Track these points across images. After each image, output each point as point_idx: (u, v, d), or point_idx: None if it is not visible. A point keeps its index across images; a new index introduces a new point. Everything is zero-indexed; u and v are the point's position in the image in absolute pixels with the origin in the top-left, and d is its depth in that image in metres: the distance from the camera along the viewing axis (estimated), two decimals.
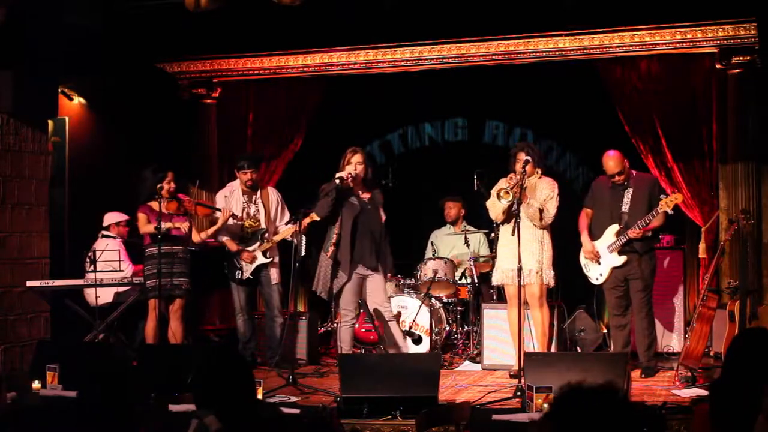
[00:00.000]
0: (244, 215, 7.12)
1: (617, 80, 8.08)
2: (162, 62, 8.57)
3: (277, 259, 7.15)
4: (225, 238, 7.13)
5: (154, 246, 6.79)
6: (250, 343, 7.19)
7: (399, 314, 7.07)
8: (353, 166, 6.28)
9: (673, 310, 7.47)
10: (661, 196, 6.30)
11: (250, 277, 7.09)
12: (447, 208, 8.24)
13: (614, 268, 6.46)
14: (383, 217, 6.41)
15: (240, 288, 7.15)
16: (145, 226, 6.88)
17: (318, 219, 6.40)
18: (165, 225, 6.74)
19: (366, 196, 6.37)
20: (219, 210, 7.09)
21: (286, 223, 7.09)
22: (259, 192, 7.21)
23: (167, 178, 6.86)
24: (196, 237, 7.11)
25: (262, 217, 7.13)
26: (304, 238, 6.51)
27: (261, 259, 7.06)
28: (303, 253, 6.47)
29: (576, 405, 2.19)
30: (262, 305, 7.50)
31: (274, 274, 7.12)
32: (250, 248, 7.08)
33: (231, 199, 7.15)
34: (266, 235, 7.09)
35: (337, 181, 6.20)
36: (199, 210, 7.16)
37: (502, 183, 6.43)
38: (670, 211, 6.24)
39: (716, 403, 2.79)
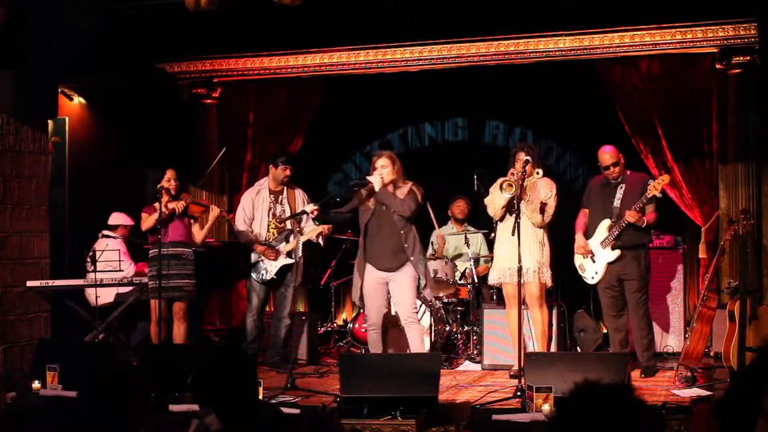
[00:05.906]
0: (270, 216, 7.09)
1: (617, 80, 8.08)
2: (162, 62, 8.57)
3: (302, 260, 7.06)
4: (249, 238, 7.06)
5: (156, 247, 6.75)
6: (254, 342, 7.16)
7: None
8: (378, 170, 6.25)
9: (672, 310, 7.46)
10: (649, 180, 6.30)
11: (274, 277, 7.04)
12: (459, 206, 8.21)
13: (609, 265, 6.44)
14: (408, 211, 6.22)
15: (261, 288, 7.10)
16: (146, 221, 6.74)
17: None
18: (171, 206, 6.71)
19: (399, 193, 6.27)
20: (208, 207, 7.01)
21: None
22: (285, 192, 7.15)
23: (165, 177, 6.81)
24: (196, 238, 7.02)
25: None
26: (301, 239, 6.48)
27: (285, 260, 7.01)
28: (300, 255, 6.45)
29: (589, 405, 2.16)
30: (271, 305, 7.49)
31: (298, 275, 7.10)
32: (275, 247, 7.04)
33: (258, 199, 7.11)
34: (291, 236, 7.03)
35: (355, 188, 6.32)
36: (192, 208, 6.97)
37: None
38: (658, 194, 6.22)
39: (724, 403, 2.78)
